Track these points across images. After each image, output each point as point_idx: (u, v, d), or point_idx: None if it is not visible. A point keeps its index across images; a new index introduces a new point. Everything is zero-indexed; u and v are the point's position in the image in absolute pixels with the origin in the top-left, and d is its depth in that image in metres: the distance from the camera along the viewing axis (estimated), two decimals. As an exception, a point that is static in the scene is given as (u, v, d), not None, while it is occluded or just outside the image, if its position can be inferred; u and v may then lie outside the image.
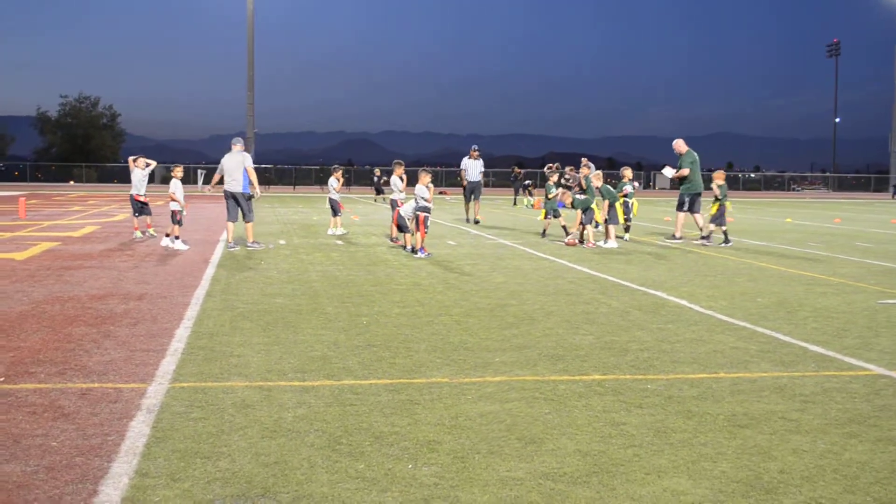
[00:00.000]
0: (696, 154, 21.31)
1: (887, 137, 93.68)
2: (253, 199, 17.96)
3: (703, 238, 20.06)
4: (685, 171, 21.14)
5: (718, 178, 20.17)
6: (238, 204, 17.65)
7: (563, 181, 23.65)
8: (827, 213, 40.44)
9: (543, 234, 21.61)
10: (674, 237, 21.14)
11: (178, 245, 17.54)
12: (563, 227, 20.53)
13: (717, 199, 19.95)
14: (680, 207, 21.27)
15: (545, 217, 21.68)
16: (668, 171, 21.91)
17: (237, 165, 17.52)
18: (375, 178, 47.30)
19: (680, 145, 21.43)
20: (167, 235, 17.97)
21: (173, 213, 18.08)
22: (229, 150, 17.72)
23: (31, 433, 5.54)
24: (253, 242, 17.75)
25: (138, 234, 20.01)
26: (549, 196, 21.59)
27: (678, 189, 21.61)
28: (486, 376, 7.24)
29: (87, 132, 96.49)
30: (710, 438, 5.70)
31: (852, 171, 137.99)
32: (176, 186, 18.37)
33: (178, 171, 18.84)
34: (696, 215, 21.20)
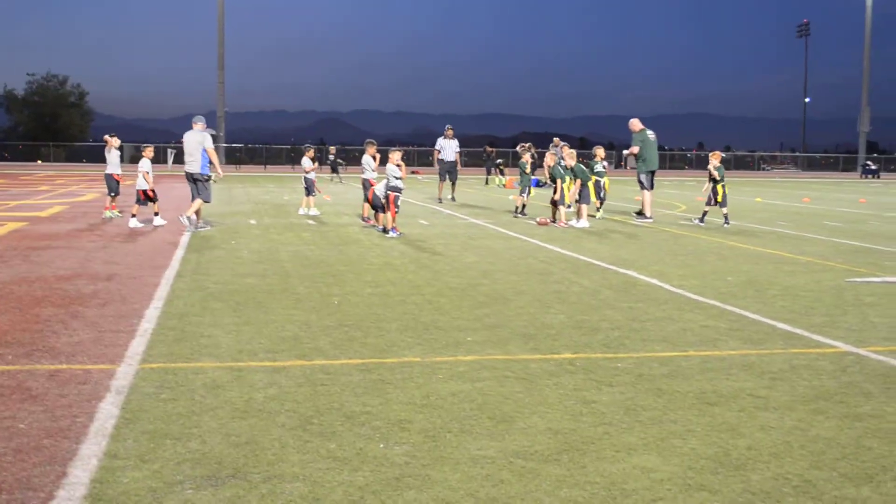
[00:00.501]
0: (650, 133, 21.69)
1: (856, 118, 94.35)
2: (212, 181, 17.44)
3: (699, 220, 20.04)
4: (635, 149, 21.62)
5: (715, 158, 19.97)
6: (195, 184, 17.05)
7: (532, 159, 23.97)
8: (796, 192, 40.72)
9: (516, 211, 21.72)
10: (642, 214, 21.16)
11: (158, 221, 17.96)
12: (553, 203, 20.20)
13: (715, 182, 19.59)
14: (643, 186, 21.49)
15: (522, 193, 21.93)
16: (624, 151, 22.46)
17: (196, 145, 17.00)
18: (331, 158, 47.27)
19: (634, 124, 21.91)
20: (133, 216, 17.87)
21: (139, 192, 18.08)
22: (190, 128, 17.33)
23: (-1, 415, 5.50)
24: (188, 217, 16.67)
25: (114, 213, 19.82)
26: (525, 172, 21.86)
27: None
28: (458, 355, 7.25)
29: (55, 111, 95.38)
30: (680, 416, 5.74)
31: (821, 151, 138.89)
32: (146, 166, 18.29)
33: (149, 152, 18.81)
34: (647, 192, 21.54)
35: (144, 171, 18.26)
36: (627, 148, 22.93)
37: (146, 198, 18.24)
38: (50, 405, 5.72)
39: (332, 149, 52.19)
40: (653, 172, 21.64)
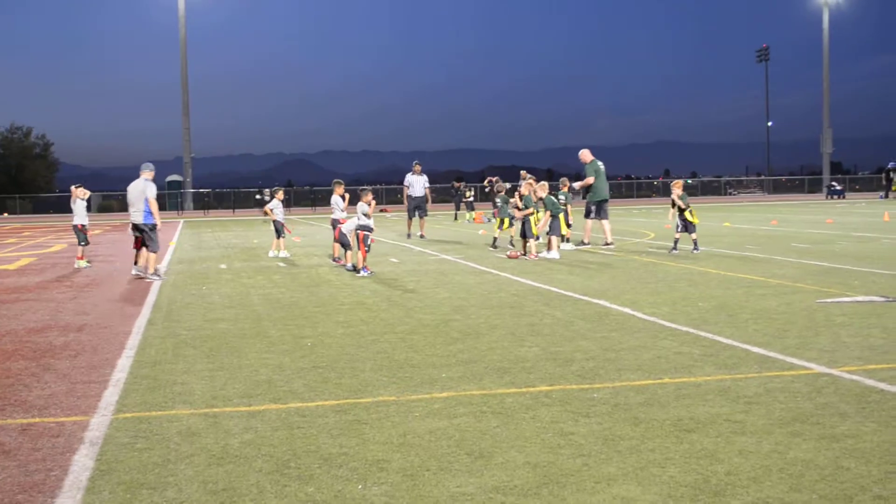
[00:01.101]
0: (600, 163, 22.51)
1: (818, 140, 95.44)
2: (157, 230, 16.72)
3: (673, 248, 20.17)
4: (589, 180, 22.31)
5: (677, 187, 20.04)
6: (141, 234, 16.62)
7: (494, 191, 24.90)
8: (764, 215, 41.05)
9: (494, 243, 22.50)
10: (582, 243, 21.98)
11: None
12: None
13: (681, 210, 19.61)
14: (588, 215, 22.42)
15: (500, 227, 23.04)
16: (576, 184, 23.05)
17: (139, 194, 16.52)
18: (258, 198, 47.70)
19: (585, 155, 22.89)
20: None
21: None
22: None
23: (-29, 472, 5.42)
24: (153, 274, 16.55)
25: (83, 263, 19.67)
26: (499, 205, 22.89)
27: (585, 199, 22.83)
28: (433, 392, 7.23)
29: (20, 163, 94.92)
30: (658, 444, 5.74)
31: (786, 174, 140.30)
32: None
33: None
34: (604, 222, 22.28)
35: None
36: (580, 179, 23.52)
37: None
38: (23, 459, 5.65)
39: (267, 190, 53.07)
40: (605, 201, 22.47)
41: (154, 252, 16.72)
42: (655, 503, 4.73)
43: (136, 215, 16.59)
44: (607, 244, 21.60)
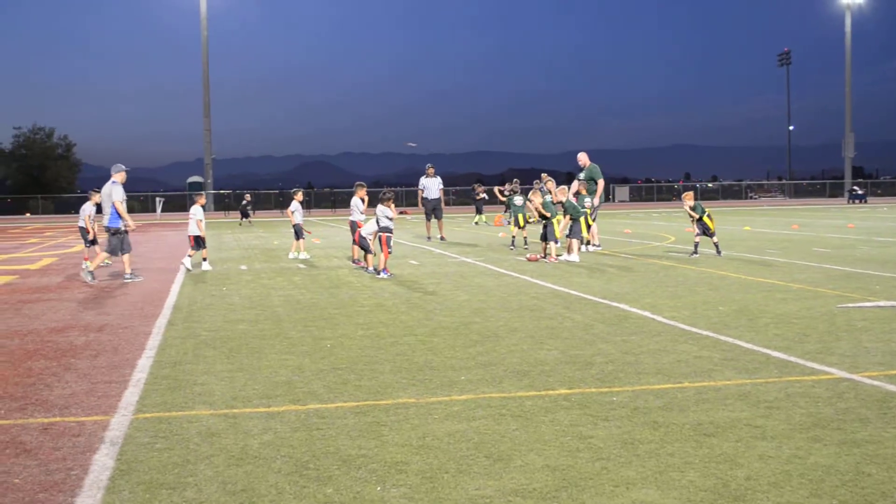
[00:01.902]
0: (597, 167, 22.41)
1: (840, 144, 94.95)
2: (127, 232, 16.67)
3: (693, 252, 20.05)
4: (601, 183, 22.28)
5: (687, 199, 19.91)
6: (112, 237, 16.56)
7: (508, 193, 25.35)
8: (784, 219, 40.87)
9: (513, 243, 23.04)
10: (591, 244, 21.90)
11: (205, 266, 18.71)
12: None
13: (699, 219, 19.46)
14: (594, 218, 22.21)
15: (516, 226, 23.61)
16: (596, 200, 22.15)
17: (106, 197, 16.43)
18: (244, 202, 48.09)
19: (585, 158, 22.57)
20: (189, 256, 18.51)
21: (190, 238, 18.68)
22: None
23: (-7, 471, 5.46)
24: (129, 275, 16.53)
25: (104, 262, 19.79)
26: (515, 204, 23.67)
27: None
28: (453, 395, 7.23)
29: (43, 163, 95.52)
30: (677, 448, 5.72)
31: (808, 178, 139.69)
32: (199, 213, 18.68)
33: (202, 199, 19.53)
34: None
35: (198, 219, 18.51)
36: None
37: (197, 244, 18.60)
38: (44, 459, 5.68)
39: (248, 195, 53.92)
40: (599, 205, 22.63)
41: (112, 254, 16.75)
42: (675, 507, 4.71)
43: (104, 218, 16.58)
44: (595, 246, 21.99)
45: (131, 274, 16.66)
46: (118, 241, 16.59)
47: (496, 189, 34.06)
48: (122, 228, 16.52)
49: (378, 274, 16.38)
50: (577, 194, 20.63)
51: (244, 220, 46.15)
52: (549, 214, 19.13)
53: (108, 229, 16.57)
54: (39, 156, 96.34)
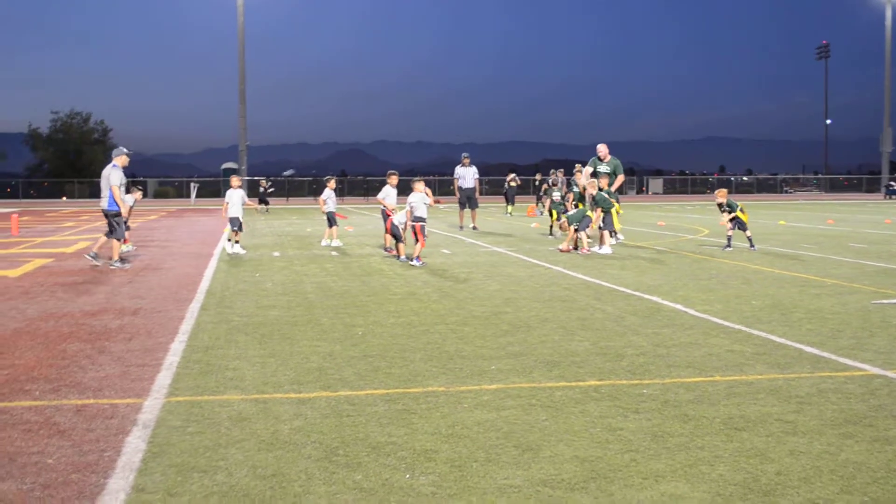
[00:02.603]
0: (617, 160, 22.19)
1: (878, 138, 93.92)
2: (121, 217, 16.60)
3: (727, 246, 19.94)
4: (621, 177, 22.19)
5: (720, 196, 19.90)
6: (107, 220, 16.52)
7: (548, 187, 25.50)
8: (820, 214, 40.52)
9: (551, 231, 23.46)
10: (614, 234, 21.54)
11: (237, 249, 19.37)
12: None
13: (731, 211, 19.46)
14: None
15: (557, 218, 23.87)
16: (612, 188, 21.83)
17: (105, 181, 16.36)
18: (262, 189, 47.87)
19: (605, 150, 22.29)
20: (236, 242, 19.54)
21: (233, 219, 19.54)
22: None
23: (27, 451, 5.53)
24: (117, 261, 16.40)
25: (127, 247, 20.02)
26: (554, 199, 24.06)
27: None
28: (483, 384, 7.24)
29: (79, 147, 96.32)
30: (707, 442, 5.70)
31: (844, 173, 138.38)
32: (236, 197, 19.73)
33: (236, 180, 20.55)
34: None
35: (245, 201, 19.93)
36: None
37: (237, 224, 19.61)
38: (77, 440, 5.74)
39: (263, 181, 53.30)
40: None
41: (118, 239, 16.62)
42: (704, 501, 4.70)
43: (102, 201, 16.49)
44: (618, 238, 21.95)
45: (119, 261, 16.43)
46: (115, 225, 16.49)
47: (543, 184, 33.17)
48: (120, 213, 16.45)
49: (411, 261, 16.41)
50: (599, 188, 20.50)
51: (261, 206, 46.21)
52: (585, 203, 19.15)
53: (106, 213, 16.50)
54: (76, 140, 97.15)
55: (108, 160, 17.02)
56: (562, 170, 33.68)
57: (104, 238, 16.91)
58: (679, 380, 7.39)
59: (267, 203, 46.45)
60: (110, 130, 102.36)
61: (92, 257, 16.68)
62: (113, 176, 16.30)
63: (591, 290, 12.97)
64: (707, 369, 7.77)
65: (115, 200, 16.25)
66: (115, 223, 16.50)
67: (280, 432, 5.91)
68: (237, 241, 19.48)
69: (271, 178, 59.40)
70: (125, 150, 16.99)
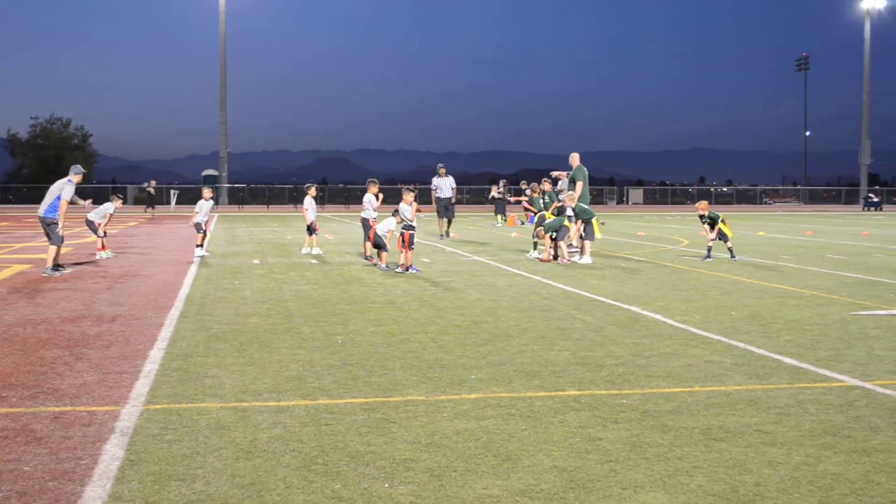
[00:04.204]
0: (584, 169, 21.79)
1: (857, 150, 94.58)
2: (56, 227, 16.52)
3: (707, 257, 19.94)
4: (579, 186, 21.58)
5: (701, 208, 19.94)
6: (45, 228, 16.60)
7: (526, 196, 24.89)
8: (799, 225, 40.72)
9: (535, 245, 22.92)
10: (571, 246, 21.47)
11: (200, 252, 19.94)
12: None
13: (713, 223, 19.49)
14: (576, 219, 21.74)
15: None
16: (568, 193, 21.79)
17: (55, 190, 16.52)
18: (150, 191, 48.01)
19: (575, 158, 21.90)
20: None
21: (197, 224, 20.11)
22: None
23: (3, 458, 5.49)
24: (51, 269, 16.35)
25: (106, 254, 20.18)
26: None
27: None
28: (462, 394, 7.23)
29: (59, 153, 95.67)
30: (686, 452, 5.71)
31: (823, 184, 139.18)
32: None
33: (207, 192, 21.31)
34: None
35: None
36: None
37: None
38: (54, 447, 5.71)
39: (153, 183, 53.58)
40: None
41: (55, 245, 16.57)
42: (682, 511, 4.70)
43: (41, 208, 16.62)
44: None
45: (51, 268, 16.40)
46: (51, 233, 16.53)
47: (523, 201, 32.80)
48: (56, 221, 16.48)
49: (408, 270, 16.50)
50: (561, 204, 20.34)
51: (149, 209, 46.00)
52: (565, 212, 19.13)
53: (42, 220, 16.65)
54: (56, 145, 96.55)
55: (88, 166, 17.23)
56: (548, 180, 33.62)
57: (53, 248, 16.71)
58: (658, 390, 7.41)
59: (153, 206, 47.08)
60: (90, 136, 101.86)
61: (52, 271, 16.45)
62: (66, 191, 16.50)
63: (571, 299, 12.99)
64: (686, 380, 7.79)
65: (55, 209, 16.43)
66: (49, 231, 16.58)
67: (259, 441, 5.88)
68: (200, 245, 20.24)
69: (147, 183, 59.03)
70: (82, 169, 17.51)
